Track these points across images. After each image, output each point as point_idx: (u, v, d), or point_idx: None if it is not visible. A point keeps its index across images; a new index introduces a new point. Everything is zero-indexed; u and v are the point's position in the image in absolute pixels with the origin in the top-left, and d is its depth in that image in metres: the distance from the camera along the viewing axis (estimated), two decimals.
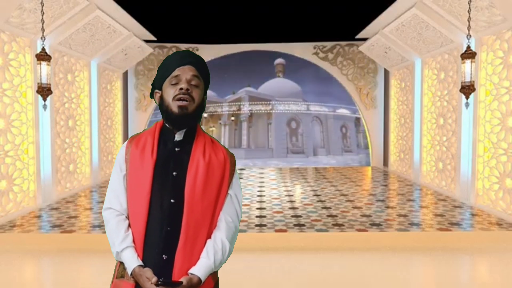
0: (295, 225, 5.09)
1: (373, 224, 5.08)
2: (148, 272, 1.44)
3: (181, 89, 1.52)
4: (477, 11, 5.38)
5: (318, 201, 6.54)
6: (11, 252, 4.53)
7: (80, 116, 7.59)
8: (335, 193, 7.16)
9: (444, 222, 5.15)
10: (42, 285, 4.07)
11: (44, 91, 5.09)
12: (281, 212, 5.76)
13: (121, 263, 1.52)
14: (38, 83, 5.10)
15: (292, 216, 5.52)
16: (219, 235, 1.54)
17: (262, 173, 9.96)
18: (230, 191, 1.61)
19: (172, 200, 1.51)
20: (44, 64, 5.08)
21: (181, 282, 1.42)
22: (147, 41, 9.16)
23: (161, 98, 1.58)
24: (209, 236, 1.55)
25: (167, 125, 1.60)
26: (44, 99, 5.17)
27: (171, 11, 7.61)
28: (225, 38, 9.89)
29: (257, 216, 5.54)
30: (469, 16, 5.02)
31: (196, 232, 1.51)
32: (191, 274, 1.47)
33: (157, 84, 1.62)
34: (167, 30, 9.10)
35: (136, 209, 1.52)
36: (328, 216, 5.53)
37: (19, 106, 5.72)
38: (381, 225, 5.05)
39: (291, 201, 6.54)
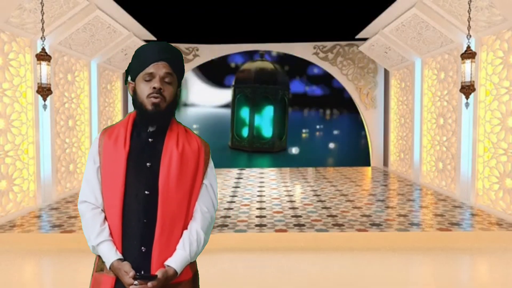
0: (295, 225, 5.09)
1: (373, 224, 5.08)
2: (126, 265, 1.44)
3: (154, 88, 1.53)
4: (477, 11, 5.38)
5: (318, 201, 6.54)
6: (11, 252, 4.53)
7: (80, 116, 7.59)
8: (335, 193, 7.16)
9: (444, 222, 5.15)
10: (42, 285, 4.07)
11: (44, 91, 5.09)
12: (281, 212, 5.76)
13: (100, 257, 1.52)
14: (38, 83, 5.10)
15: (292, 216, 5.52)
16: (195, 226, 1.55)
17: (262, 173, 9.96)
18: (205, 181, 1.61)
19: (146, 192, 1.51)
20: (44, 64, 5.08)
21: (157, 276, 1.42)
22: (147, 41, 9.16)
23: (135, 91, 1.58)
24: (185, 227, 1.55)
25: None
26: (44, 99, 5.17)
27: (171, 11, 7.61)
28: (225, 38, 9.89)
29: (257, 216, 5.54)
30: (469, 16, 5.02)
31: (172, 223, 1.51)
32: (167, 266, 1.47)
33: (131, 74, 1.61)
34: (167, 30, 9.10)
35: (111, 202, 1.52)
36: (328, 216, 5.53)
37: (19, 106, 5.72)
38: (381, 225, 5.05)
39: (291, 201, 6.54)
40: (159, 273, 1.44)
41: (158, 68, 1.55)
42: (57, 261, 4.40)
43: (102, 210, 1.54)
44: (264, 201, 6.53)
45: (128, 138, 1.55)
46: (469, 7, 5.02)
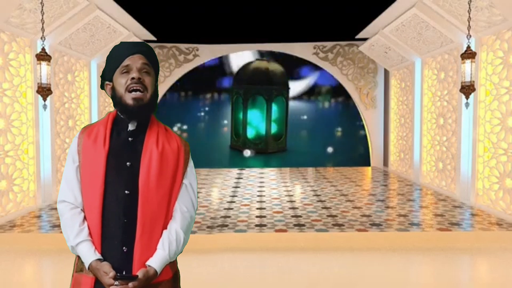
0: (295, 225, 5.09)
1: (373, 224, 5.08)
2: (105, 266, 1.43)
3: (132, 78, 1.50)
4: (477, 11, 5.38)
5: (318, 201, 6.54)
6: (11, 252, 4.53)
7: (80, 116, 7.59)
8: (335, 193, 7.16)
9: (444, 222, 5.15)
10: (42, 285, 4.07)
11: (44, 91, 5.09)
12: (281, 212, 5.76)
13: (79, 257, 1.51)
14: (38, 83, 5.10)
15: (292, 216, 5.52)
16: (174, 226, 1.54)
17: (262, 173, 9.95)
18: (185, 180, 1.60)
19: (126, 191, 1.50)
20: (44, 64, 5.08)
21: (137, 276, 1.42)
22: (147, 41, 9.16)
23: (113, 89, 1.56)
24: (165, 226, 1.54)
25: (121, 115, 1.57)
26: (44, 99, 5.17)
27: (171, 11, 7.61)
28: (225, 38, 9.88)
29: (257, 216, 5.54)
30: (469, 16, 5.02)
31: (153, 223, 1.50)
32: (148, 266, 1.47)
33: (107, 76, 1.59)
34: (167, 30, 9.10)
35: (90, 201, 1.50)
36: (328, 216, 5.53)
37: (19, 106, 5.72)
38: (381, 225, 5.05)
39: (291, 201, 6.54)
40: (140, 273, 1.44)
41: (135, 60, 1.53)
42: (57, 261, 4.40)
43: (81, 209, 1.52)
44: (264, 201, 6.53)
45: (107, 137, 1.53)
46: (469, 7, 5.02)
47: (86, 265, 1.46)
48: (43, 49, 5.12)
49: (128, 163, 1.52)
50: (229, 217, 5.51)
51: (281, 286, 3.74)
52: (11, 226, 5.09)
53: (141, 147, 1.54)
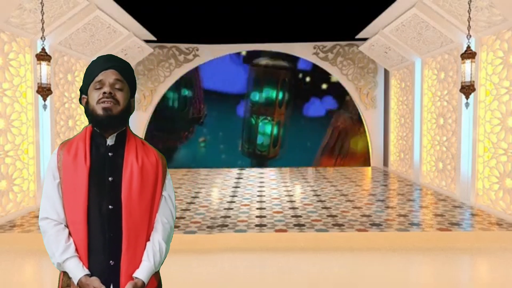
0: (295, 225, 5.09)
1: (373, 224, 5.08)
2: (95, 281, 1.47)
3: (104, 93, 1.54)
4: (477, 11, 5.38)
5: (318, 201, 6.54)
6: (11, 252, 4.53)
7: (80, 116, 7.59)
8: (335, 193, 7.16)
9: (444, 222, 5.15)
10: (42, 285, 4.07)
11: (44, 91, 5.09)
12: (281, 212, 5.76)
13: (65, 273, 1.53)
14: (38, 83, 5.10)
15: (292, 216, 5.52)
16: (157, 237, 1.59)
17: (262, 173, 9.96)
18: (164, 193, 1.64)
19: (110, 206, 1.53)
20: (44, 64, 5.08)
21: None
22: (147, 41, 9.16)
23: (87, 102, 1.59)
24: (148, 238, 1.59)
25: (96, 129, 1.60)
26: (44, 99, 5.17)
27: (171, 10, 7.61)
28: (225, 38, 9.88)
29: (257, 216, 5.54)
30: (469, 16, 5.02)
31: (137, 236, 1.55)
32: (135, 278, 1.52)
33: (83, 89, 1.62)
34: (167, 30, 9.09)
35: (74, 217, 1.52)
36: (328, 216, 5.53)
37: (19, 106, 5.72)
38: (381, 225, 5.05)
39: (291, 201, 6.54)
40: (128, 286, 1.48)
41: (107, 75, 1.56)
42: None
43: (65, 225, 1.54)
44: (264, 201, 6.53)
45: (88, 153, 1.55)
46: (469, 7, 5.02)
47: (75, 281, 1.48)
48: (43, 49, 5.12)
49: (110, 178, 1.55)
50: (229, 217, 5.51)
51: (281, 286, 3.74)
52: (11, 226, 5.10)
53: (121, 161, 1.57)
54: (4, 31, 5.38)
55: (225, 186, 7.98)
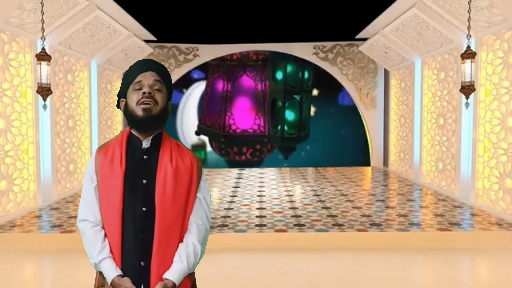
0: (295, 225, 5.09)
1: (373, 224, 5.08)
2: (127, 282, 1.50)
3: (143, 93, 1.56)
4: (477, 11, 5.38)
5: (318, 201, 6.54)
6: (11, 252, 4.53)
7: (80, 116, 7.59)
8: (335, 193, 7.16)
9: (444, 222, 5.15)
10: (42, 285, 4.07)
11: (44, 91, 5.09)
12: (281, 212, 5.76)
13: (101, 273, 1.57)
14: (38, 83, 5.10)
15: (292, 216, 5.52)
16: (191, 239, 1.60)
17: (262, 173, 9.96)
18: (198, 194, 1.65)
19: (144, 208, 1.56)
20: (44, 64, 5.08)
21: None
22: (147, 41, 9.16)
23: (126, 104, 1.62)
24: (181, 240, 1.60)
25: (133, 132, 1.63)
26: (44, 99, 5.17)
27: (171, 10, 7.61)
28: (225, 38, 9.88)
29: (257, 216, 5.54)
30: (469, 16, 5.02)
31: (168, 237, 1.56)
32: (165, 279, 1.53)
33: (122, 93, 1.65)
34: (167, 30, 9.09)
35: (110, 220, 1.56)
36: (328, 216, 5.53)
37: (19, 106, 5.72)
38: (381, 225, 5.05)
39: (291, 201, 6.54)
40: (158, 286, 1.50)
41: (146, 77, 1.60)
42: (57, 261, 4.40)
43: (101, 227, 1.59)
44: (264, 201, 6.53)
45: (123, 156, 1.58)
46: (469, 7, 5.02)
47: (109, 281, 1.52)
48: (43, 49, 5.12)
49: (144, 181, 1.57)
50: (229, 217, 5.51)
51: (281, 286, 3.74)
52: (11, 226, 5.09)
53: (156, 164, 1.59)
54: (4, 31, 5.38)
55: (225, 186, 7.98)
